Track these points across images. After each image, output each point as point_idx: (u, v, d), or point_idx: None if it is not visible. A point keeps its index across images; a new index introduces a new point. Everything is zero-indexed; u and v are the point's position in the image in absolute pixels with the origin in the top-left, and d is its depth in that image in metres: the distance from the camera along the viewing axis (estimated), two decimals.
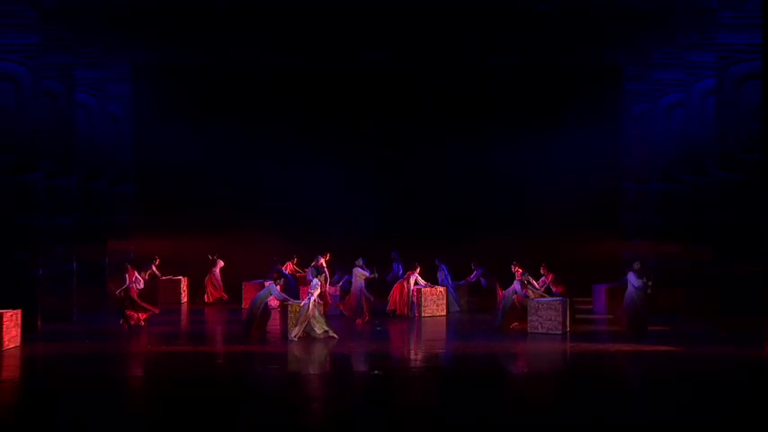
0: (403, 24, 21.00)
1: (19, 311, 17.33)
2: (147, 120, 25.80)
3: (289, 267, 23.01)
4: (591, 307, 23.04)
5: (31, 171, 19.25)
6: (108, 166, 23.99)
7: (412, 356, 17.26)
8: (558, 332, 18.80)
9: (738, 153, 18.94)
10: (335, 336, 18.24)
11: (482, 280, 22.80)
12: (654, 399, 12.99)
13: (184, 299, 25.10)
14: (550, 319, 18.93)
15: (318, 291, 18.61)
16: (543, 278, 20.77)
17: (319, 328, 18.26)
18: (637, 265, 18.99)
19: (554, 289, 20.68)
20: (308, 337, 18.17)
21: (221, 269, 24.94)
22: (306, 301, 18.35)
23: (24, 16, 18.96)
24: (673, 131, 22.89)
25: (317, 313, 18.29)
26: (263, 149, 26.58)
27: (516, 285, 19.48)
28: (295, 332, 18.11)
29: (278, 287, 19.10)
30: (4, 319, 16.72)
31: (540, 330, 18.92)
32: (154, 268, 24.52)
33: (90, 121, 23.10)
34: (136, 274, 19.85)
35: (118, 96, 24.73)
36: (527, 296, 19.32)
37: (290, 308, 18.63)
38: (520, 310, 19.48)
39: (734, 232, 18.91)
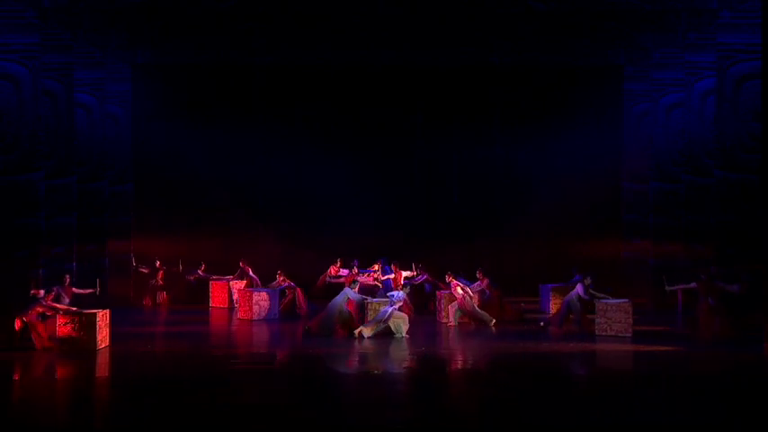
0: (403, 24, 21.00)
1: (107, 311, 17.28)
2: (146, 119, 25.80)
3: (332, 271, 23.07)
4: (537, 306, 23.00)
5: (31, 171, 19.27)
6: (108, 166, 24.00)
7: (497, 357, 16.91)
8: (627, 335, 18.27)
9: (738, 153, 18.95)
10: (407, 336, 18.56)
11: (426, 285, 22.88)
12: (652, 398, 13.00)
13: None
14: (619, 322, 18.43)
15: (401, 303, 18.86)
16: (479, 282, 20.82)
17: (396, 330, 18.55)
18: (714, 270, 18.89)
19: (488, 293, 20.80)
20: (381, 335, 18.45)
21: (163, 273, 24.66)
22: (388, 308, 18.59)
23: (24, 16, 18.97)
24: (673, 131, 22.91)
25: (396, 316, 18.63)
26: (263, 149, 26.57)
27: (579, 288, 19.18)
28: (368, 332, 18.41)
29: (354, 289, 19.43)
30: (98, 319, 16.72)
31: (608, 333, 18.43)
32: (200, 272, 24.42)
33: (90, 121, 23.11)
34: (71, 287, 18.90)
35: (117, 96, 24.74)
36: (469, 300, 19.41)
37: (368, 306, 19.06)
38: (584, 312, 19.21)
39: (734, 232, 18.91)
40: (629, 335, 18.33)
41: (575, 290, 19.38)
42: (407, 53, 24.27)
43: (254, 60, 25.12)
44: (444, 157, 26.89)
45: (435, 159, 26.94)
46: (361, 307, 19.38)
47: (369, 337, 18.31)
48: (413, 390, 14.20)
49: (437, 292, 21.56)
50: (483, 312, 20.28)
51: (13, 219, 19.06)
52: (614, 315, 18.54)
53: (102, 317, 16.97)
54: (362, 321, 19.01)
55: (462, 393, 13.88)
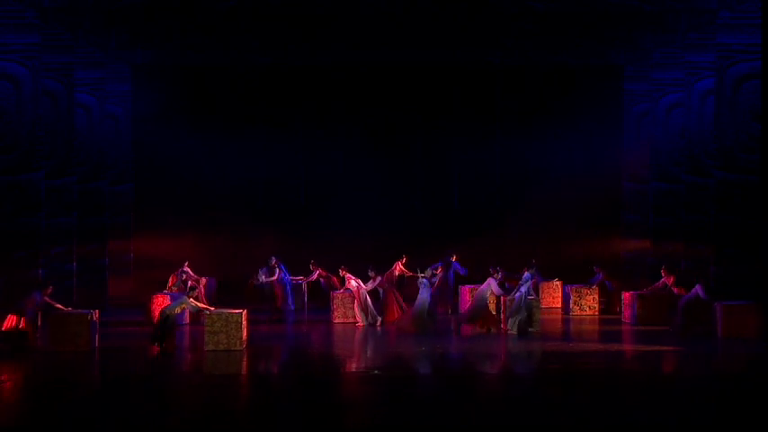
0: (402, 24, 21.00)
1: (245, 311, 17.21)
2: (146, 119, 25.78)
3: (398, 268, 22.93)
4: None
5: (31, 171, 19.28)
6: (108, 166, 24.01)
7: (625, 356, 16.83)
8: (752, 337, 17.72)
9: (738, 153, 18.95)
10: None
11: (321, 280, 23.02)
12: (652, 398, 12.99)
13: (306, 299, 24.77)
14: (744, 324, 17.85)
15: (528, 285, 19.14)
16: (372, 280, 20.75)
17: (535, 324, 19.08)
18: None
19: (382, 291, 20.86)
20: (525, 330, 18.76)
21: None
22: (520, 291, 18.94)
23: (24, 16, 18.99)
24: (673, 131, 22.92)
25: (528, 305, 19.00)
26: (263, 149, 26.56)
27: (699, 289, 18.62)
28: (509, 325, 18.91)
29: (496, 283, 19.53)
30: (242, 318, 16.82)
31: (733, 335, 17.91)
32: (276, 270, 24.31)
33: (90, 121, 23.11)
34: None
35: (117, 96, 24.75)
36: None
37: (507, 302, 19.36)
38: (696, 312, 18.82)
39: (734, 232, 18.92)
40: (755, 336, 17.81)
41: (693, 290, 18.85)
42: (407, 53, 24.27)
43: (254, 60, 25.12)
44: (444, 157, 26.89)
45: (435, 159, 26.94)
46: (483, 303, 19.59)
47: (511, 330, 18.75)
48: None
49: (331, 292, 21.61)
50: (372, 309, 20.24)
51: (13, 219, 19.06)
52: (739, 317, 18.12)
53: (245, 316, 17.06)
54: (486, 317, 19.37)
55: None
